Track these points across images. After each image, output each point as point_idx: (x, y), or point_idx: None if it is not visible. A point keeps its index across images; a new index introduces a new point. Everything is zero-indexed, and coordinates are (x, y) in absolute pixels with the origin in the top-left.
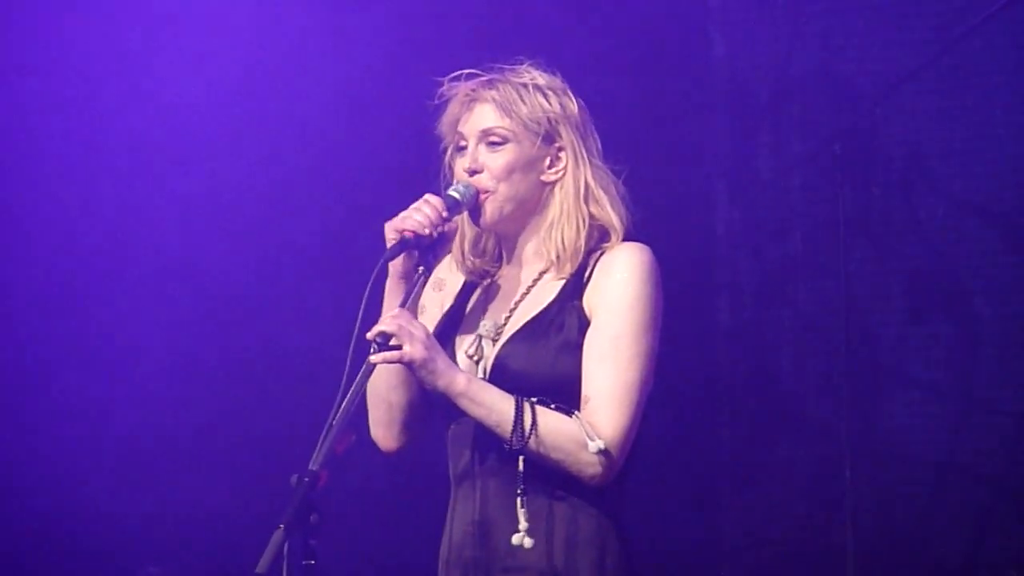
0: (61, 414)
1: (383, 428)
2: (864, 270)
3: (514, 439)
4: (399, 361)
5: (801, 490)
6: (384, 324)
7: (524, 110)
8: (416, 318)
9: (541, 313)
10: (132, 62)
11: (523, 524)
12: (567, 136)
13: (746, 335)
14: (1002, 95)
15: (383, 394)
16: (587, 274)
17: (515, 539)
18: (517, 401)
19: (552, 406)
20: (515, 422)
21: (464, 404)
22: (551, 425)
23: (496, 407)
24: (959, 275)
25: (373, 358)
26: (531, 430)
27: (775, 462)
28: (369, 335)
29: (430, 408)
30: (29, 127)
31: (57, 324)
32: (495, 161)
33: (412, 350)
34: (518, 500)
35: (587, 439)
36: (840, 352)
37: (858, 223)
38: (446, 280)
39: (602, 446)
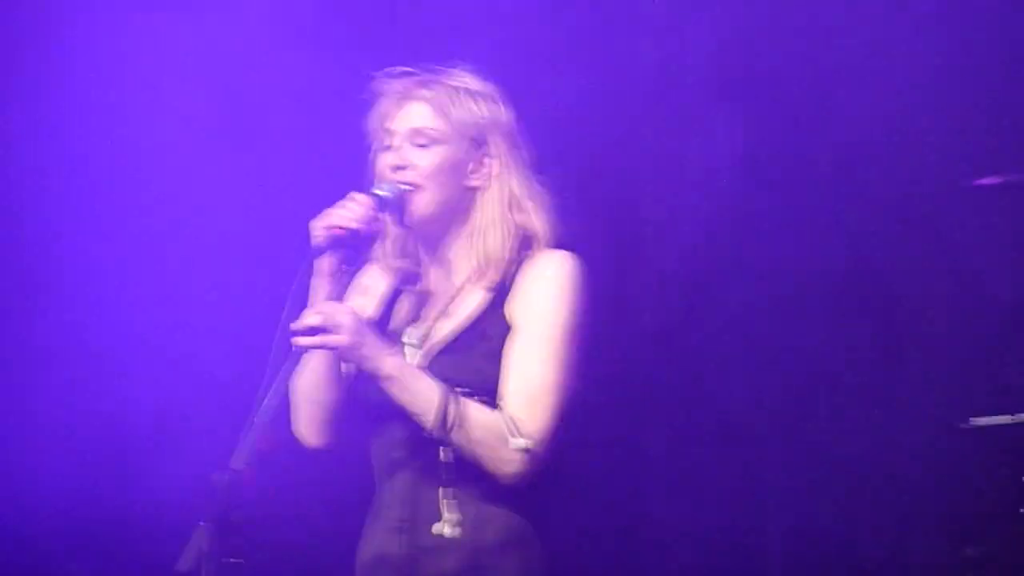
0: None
1: (311, 425)
2: (788, 268)
3: (437, 428)
4: (324, 347)
5: (728, 494)
6: (309, 317)
7: (455, 113)
8: None
9: (467, 325)
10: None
11: (447, 514)
12: (496, 143)
13: (672, 336)
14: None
15: (309, 393)
16: (509, 282)
17: (435, 528)
18: (443, 390)
19: (476, 398)
20: (440, 411)
21: (391, 388)
22: (476, 418)
23: (423, 394)
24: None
25: (301, 340)
26: (455, 420)
27: (702, 465)
28: (294, 325)
29: (357, 407)
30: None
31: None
32: (423, 160)
33: (338, 337)
34: (441, 490)
35: (508, 435)
36: (766, 353)
37: (783, 220)
38: (370, 286)
39: (523, 444)
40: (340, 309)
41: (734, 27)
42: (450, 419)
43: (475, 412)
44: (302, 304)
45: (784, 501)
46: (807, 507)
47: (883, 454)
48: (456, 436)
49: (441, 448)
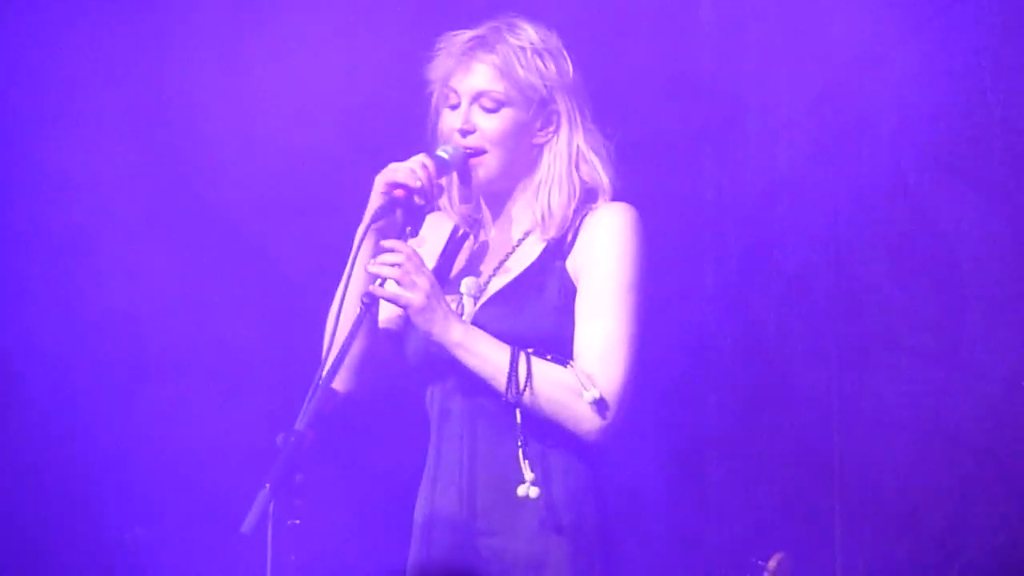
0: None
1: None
2: (850, 233)
3: (510, 390)
4: (395, 302)
5: (789, 459)
6: (387, 267)
7: (521, 75)
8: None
9: (522, 274)
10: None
11: (528, 475)
12: (562, 101)
13: (733, 302)
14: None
15: (342, 338)
16: (571, 235)
17: (520, 489)
18: (512, 351)
19: (548, 357)
20: (510, 372)
21: (459, 354)
22: (546, 375)
23: (492, 358)
24: (945, 240)
25: (376, 291)
26: (527, 381)
27: (762, 430)
28: (370, 267)
29: (411, 370)
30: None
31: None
32: (489, 124)
33: (412, 296)
34: (520, 451)
35: (582, 388)
36: (826, 316)
37: (845, 186)
38: (427, 237)
39: (597, 395)
40: (420, 269)
41: None
42: (521, 379)
43: (545, 369)
44: (362, 268)
45: (845, 462)
46: (868, 468)
47: (945, 415)
48: (529, 397)
49: (517, 410)
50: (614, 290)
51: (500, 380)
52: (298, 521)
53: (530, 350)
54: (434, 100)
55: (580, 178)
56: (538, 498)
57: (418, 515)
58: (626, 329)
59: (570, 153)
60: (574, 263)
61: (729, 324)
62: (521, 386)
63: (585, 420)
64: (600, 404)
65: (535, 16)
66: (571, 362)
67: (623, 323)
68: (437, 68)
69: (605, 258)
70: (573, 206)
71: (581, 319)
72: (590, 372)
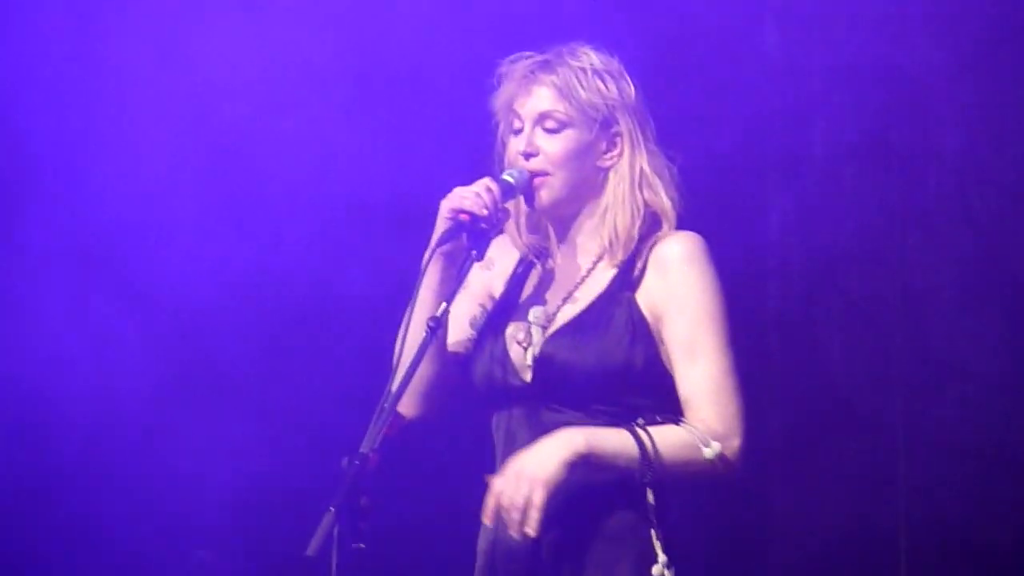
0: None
1: (407, 396)
2: (916, 260)
3: (647, 475)
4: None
5: (852, 483)
6: (487, 513)
7: (583, 95)
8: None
9: (591, 305)
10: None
11: (663, 556)
12: (624, 122)
13: (796, 324)
14: None
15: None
16: (639, 264)
17: (655, 570)
18: (632, 438)
19: (659, 420)
20: (643, 459)
21: (591, 462)
22: (671, 446)
23: (621, 450)
24: (1011, 266)
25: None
26: (656, 457)
27: (825, 454)
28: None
29: (477, 395)
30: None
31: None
32: (552, 146)
33: (535, 496)
34: (653, 532)
35: (702, 446)
36: (892, 343)
37: (911, 212)
38: (495, 260)
39: (718, 449)
40: (506, 480)
41: None
42: (653, 462)
43: (667, 440)
44: (430, 293)
45: (911, 490)
46: (934, 496)
47: (1012, 443)
48: (662, 471)
49: (648, 490)
50: (706, 327)
51: (633, 469)
52: (363, 545)
53: (641, 421)
54: (500, 129)
55: (644, 200)
56: (602, 530)
57: (482, 542)
58: (727, 363)
59: (632, 175)
60: (647, 296)
61: (795, 349)
62: (654, 468)
63: (713, 471)
64: (721, 453)
65: (600, 44)
66: (684, 409)
67: (723, 358)
68: (501, 95)
69: (688, 296)
70: (637, 227)
71: (681, 362)
72: (705, 416)
